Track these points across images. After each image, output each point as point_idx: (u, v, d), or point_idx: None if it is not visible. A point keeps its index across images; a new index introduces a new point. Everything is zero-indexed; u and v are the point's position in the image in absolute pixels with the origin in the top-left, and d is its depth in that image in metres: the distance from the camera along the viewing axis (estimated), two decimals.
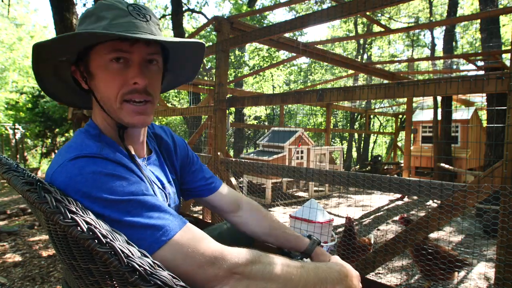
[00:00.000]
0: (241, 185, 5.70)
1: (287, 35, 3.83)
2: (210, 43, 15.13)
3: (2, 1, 8.18)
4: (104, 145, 0.69)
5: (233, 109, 13.04)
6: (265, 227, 1.00)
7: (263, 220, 1.02)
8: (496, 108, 4.38)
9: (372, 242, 2.71)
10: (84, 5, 10.63)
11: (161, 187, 0.85)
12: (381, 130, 17.89)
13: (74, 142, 0.70)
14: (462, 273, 2.71)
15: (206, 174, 1.03)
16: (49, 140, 14.11)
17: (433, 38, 14.11)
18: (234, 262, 0.62)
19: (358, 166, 11.98)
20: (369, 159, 13.15)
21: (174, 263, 0.59)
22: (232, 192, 1.06)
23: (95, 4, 0.72)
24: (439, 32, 15.51)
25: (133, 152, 0.80)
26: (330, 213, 4.14)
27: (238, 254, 0.63)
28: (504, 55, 5.19)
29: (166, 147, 0.96)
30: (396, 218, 4.69)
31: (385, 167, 9.45)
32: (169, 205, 0.87)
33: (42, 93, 13.82)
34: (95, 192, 0.59)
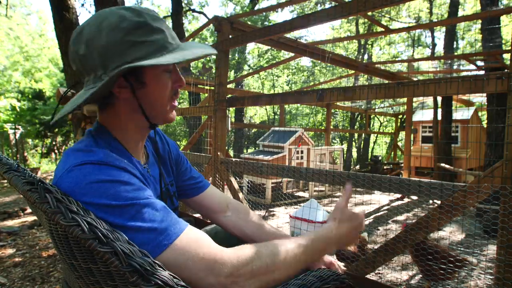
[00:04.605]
0: (241, 185, 5.70)
1: (292, 35, 3.83)
2: (211, 44, 15.13)
3: (0, 2, 8.18)
4: (110, 151, 0.69)
5: (233, 109, 13.05)
6: (253, 227, 1.01)
7: (251, 220, 1.02)
8: (496, 108, 4.38)
9: (367, 239, 2.71)
10: (83, 5, 10.63)
11: (161, 190, 0.86)
12: (381, 130, 17.90)
13: (82, 146, 0.70)
14: (462, 273, 2.71)
15: (194, 174, 1.04)
16: (49, 140, 14.11)
17: (433, 38, 14.11)
18: (234, 267, 0.62)
19: (358, 166, 11.98)
20: (369, 159, 13.16)
21: (176, 267, 0.59)
22: (220, 192, 1.07)
23: (132, 13, 0.69)
24: (440, 33, 15.54)
25: (137, 158, 0.81)
26: (330, 213, 4.14)
27: (236, 257, 0.63)
28: (504, 55, 5.19)
29: (162, 149, 0.96)
30: (396, 218, 4.69)
31: (385, 167, 9.45)
32: (169, 207, 0.87)
33: (43, 93, 13.77)
34: (98, 199, 0.60)
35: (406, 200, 6.01)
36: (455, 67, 6.51)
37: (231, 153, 13.39)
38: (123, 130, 0.77)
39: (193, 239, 0.63)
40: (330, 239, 0.79)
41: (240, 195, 2.99)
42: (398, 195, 6.12)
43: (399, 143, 10.82)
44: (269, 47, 13.15)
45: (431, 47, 15.20)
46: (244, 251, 0.65)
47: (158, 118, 0.78)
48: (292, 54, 5.38)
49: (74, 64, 0.71)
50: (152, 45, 0.69)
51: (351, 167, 12.97)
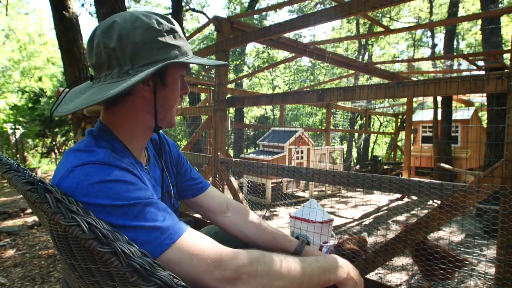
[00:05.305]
0: (241, 185, 5.70)
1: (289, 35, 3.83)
2: (210, 43, 15.17)
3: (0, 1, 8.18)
4: (112, 151, 0.69)
5: (233, 109, 13.05)
6: (253, 228, 1.01)
7: (250, 221, 1.02)
8: (496, 108, 4.37)
9: (367, 239, 2.70)
10: (83, 5, 10.63)
11: (162, 192, 0.86)
12: (381, 130, 17.90)
13: (83, 146, 0.70)
14: (462, 273, 2.71)
15: (194, 175, 1.04)
16: (49, 140, 14.12)
17: (433, 38, 14.12)
18: (240, 263, 0.62)
19: (358, 166, 11.99)
20: (369, 159, 13.16)
21: (180, 265, 0.60)
22: (220, 193, 1.08)
23: (164, 19, 0.74)
24: (441, 34, 15.55)
25: (139, 159, 0.81)
26: (330, 213, 4.14)
27: (242, 255, 0.64)
28: (504, 55, 5.19)
29: (163, 151, 0.96)
30: (396, 218, 4.69)
31: (385, 167, 9.45)
32: (170, 209, 0.88)
33: (44, 91, 13.75)
34: (100, 199, 0.60)
35: (406, 200, 6.01)
36: (455, 67, 6.51)
37: (231, 153, 13.39)
38: (128, 131, 0.77)
39: (196, 239, 0.64)
40: (334, 260, 0.81)
41: (240, 195, 2.99)
42: (398, 195, 6.12)
43: (399, 143, 10.82)
44: (265, 46, 13.16)
45: (431, 47, 15.21)
46: (249, 253, 0.66)
47: (165, 120, 0.80)
48: (291, 54, 5.38)
49: (96, 57, 0.71)
50: (179, 49, 0.74)
51: (351, 167, 12.97)
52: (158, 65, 0.69)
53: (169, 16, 0.77)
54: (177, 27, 0.75)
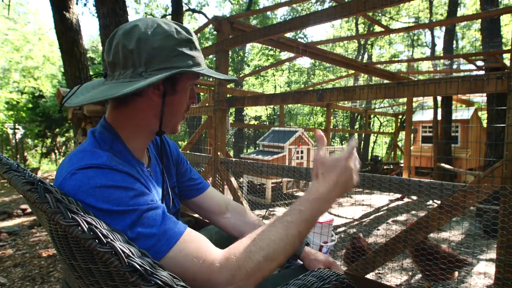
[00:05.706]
0: (241, 185, 5.70)
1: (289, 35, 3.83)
2: (210, 43, 15.18)
3: (3, 1, 8.18)
4: (114, 154, 0.70)
5: (233, 109, 13.04)
6: (252, 228, 1.00)
7: (250, 221, 1.02)
8: (496, 108, 4.37)
9: (361, 235, 2.70)
10: (85, 4, 10.60)
11: (163, 193, 0.86)
12: (381, 130, 17.90)
13: (85, 148, 0.71)
14: (462, 273, 2.71)
15: (193, 175, 1.05)
16: (49, 140, 14.12)
17: (433, 37, 14.12)
18: (230, 273, 0.62)
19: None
20: (369, 159, 13.15)
21: (177, 269, 0.61)
22: (219, 194, 1.08)
23: (183, 29, 0.76)
24: (440, 32, 15.57)
25: (141, 159, 0.82)
26: (330, 213, 4.14)
27: (230, 262, 0.64)
28: (504, 55, 5.19)
29: (164, 152, 0.97)
30: (396, 218, 4.69)
31: (385, 167, 9.45)
32: (171, 210, 0.89)
33: (42, 93, 13.76)
34: (100, 204, 0.61)
35: (406, 200, 6.01)
36: (454, 66, 6.51)
37: (231, 153, 13.39)
38: (132, 131, 0.78)
39: (193, 242, 0.65)
40: (320, 200, 0.72)
41: (240, 195, 2.99)
42: (398, 195, 6.11)
43: (399, 143, 10.82)
44: (265, 46, 13.16)
45: (430, 46, 15.21)
46: (235, 256, 0.64)
47: (169, 126, 0.82)
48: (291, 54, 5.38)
49: (113, 55, 0.73)
50: (193, 59, 0.76)
51: None
52: (171, 71, 0.70)
53: (189, 27, 0.79)
54: (194, 38, 0.77)
